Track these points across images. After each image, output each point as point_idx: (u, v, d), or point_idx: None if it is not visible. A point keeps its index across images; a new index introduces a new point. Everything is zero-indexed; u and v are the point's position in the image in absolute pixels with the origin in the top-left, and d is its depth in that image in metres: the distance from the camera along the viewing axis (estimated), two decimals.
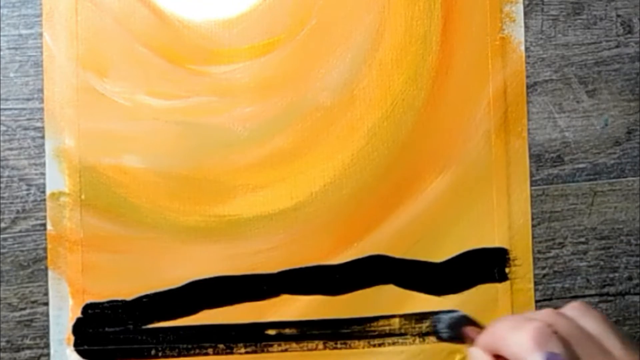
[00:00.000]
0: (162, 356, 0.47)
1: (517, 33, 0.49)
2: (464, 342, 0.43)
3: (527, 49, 0.49)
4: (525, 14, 0.49)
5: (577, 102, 0.49)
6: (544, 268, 0.48)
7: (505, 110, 0.49)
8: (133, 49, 0.48)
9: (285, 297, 0.48)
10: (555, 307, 0.48)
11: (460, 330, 0.43)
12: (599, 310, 0.39)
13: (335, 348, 0.48)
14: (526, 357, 0.35)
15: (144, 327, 0.47)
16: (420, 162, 0.48)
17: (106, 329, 0.47)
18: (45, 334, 0.47)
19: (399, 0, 0.48)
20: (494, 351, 0.37)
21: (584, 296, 0.48)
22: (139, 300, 0.47)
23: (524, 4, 0.49)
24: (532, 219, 0.48)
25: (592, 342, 0.36)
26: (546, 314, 0.37)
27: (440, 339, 0.44)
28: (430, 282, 0.48)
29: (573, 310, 0.38)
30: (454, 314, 0.44)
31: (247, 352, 0.47)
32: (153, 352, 0.47)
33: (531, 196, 0.48)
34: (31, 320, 0.47)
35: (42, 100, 0.48)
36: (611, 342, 0.37)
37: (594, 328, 0.37)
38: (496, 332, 0.37)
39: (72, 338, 0.47)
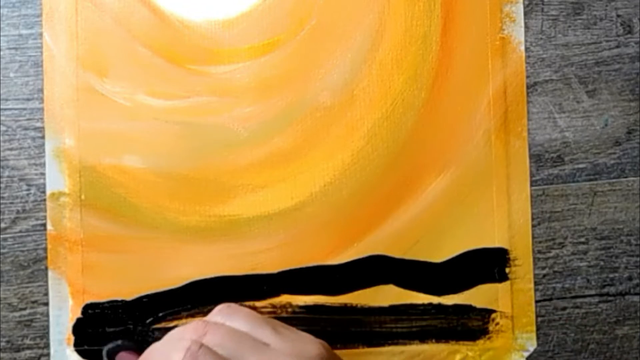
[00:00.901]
0: None
1: (517, 33, 0.49)
2: None
3: (527, 49, 0.49)
4: (525, 14, 0.49)
5: (577, 102, 0.49)
6: (544, 268, 0.48)
7: (505, 110, 0.49)
8: (133, 49, 0.48)
9: (285, 297, 0.48)
10: (554, 308, 0.48)
11: (114, 357, 0.44)
12: (245, 308, 0.40)
13: (335, 348, 0.48)
14: None
15: (144, 327, 0.47)
16: (420, 162, 0.48)
17: (106, 329, 0.47)
18: (45, 334, 0.47)
19: (399, 0, 0.48)
20: None
21: (584, 296, 0.48)
22: (139, 300, 0.47)
23: (524, 4, 0.49)
24: (532, 219, 0.48)
25: (244, 339, 0.37)
26: (194, 327, 0.38)
27: None
28: (430, 282, 0.48)
29: (220, 314, 0.39)
30: (112, 343, 0.45)
31: None
32: None
33: (531, 196, 0.48)
34: (31, 320, 0.47)
35: (42, 100, 0.48)
36: (262, 333, 0.38)
37: (243, 325, 0.38)
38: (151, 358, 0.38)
39: (72, 338, 0.47)
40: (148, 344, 0.47)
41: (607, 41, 0.49)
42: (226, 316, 0.39)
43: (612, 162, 0.49)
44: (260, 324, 0.39)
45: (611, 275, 0.49)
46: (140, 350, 0.44)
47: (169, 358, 0.37)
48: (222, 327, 0.38)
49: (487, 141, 0.48)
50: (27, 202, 0.48)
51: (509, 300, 0.48)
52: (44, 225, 0.48)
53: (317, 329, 0.48)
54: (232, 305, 0.40)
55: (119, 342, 0.46)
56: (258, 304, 0.47)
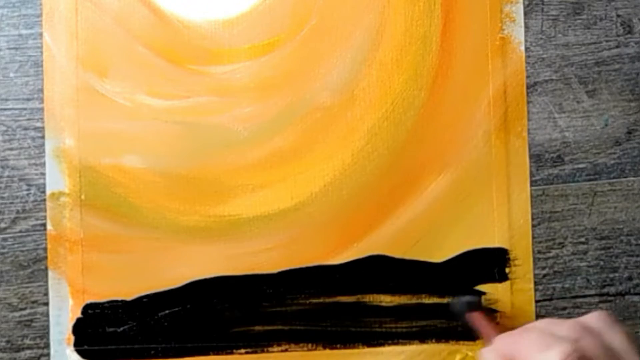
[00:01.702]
0: (162, 356, 0.47)
1: (517, 33, 0.49)
2: (472, 326, 0.43)
3: (527, 49, 0.49)
4: (525, 14, 0.49)
5: (577, 102, 0.49)
6: (544, 268, 0.48)
7: (505, 110, 0.49)
8: (133, 49, 0.48)
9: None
10: (554, 308, 0.48)
11: (470, 312, 0.44)
12: (622, 326, 0.38)
13: (335, 348, 0.48)
14: None
15: (144, 327, 0.47)
16: (420, 162, 0.48)
17: (106, 329, 0.47)
18: (45, 334, 0.47)
19: (399, 0, 0.48)
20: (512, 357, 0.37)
21: (584, 296, 0.48)
22: (139, 300, 0.47)
23: (524, 4, 0.49)
24: (532, 219, 0.48)
25: (615, 359, 0.36)
26: (572, 329, 0.37)
27: (452, 314, 0.46)
28: (430, 282, 0.48)
29: (598, 322, 0.38)
30: (472, 298, 0.45)
31: (247, 352, 0.47)
32: (153, 352, 0.47)
33: (531, 196, 0.48)
34: (31, 320, 0.47)
35: (42, 100, 0.48)
36: (632, 358, 0.37)
37: (618, 345, 0.37)
38: (520, 345, 0.37)
39: (72, 338, 0.47)
40: (147, 344, 0.47)
41: (607, 41, 0.49)
42: (604, 327, 0.38)
43: (612, 162, 0.49)
44: (633, 349, 0.37)
45: (611, 275, 0.49)
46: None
47: (545, 351, 0.35)
48: (598, 338, 0.37)
49: (487, 141, 0.48)
50: (27, 202, 0.48)
51: (509, 300, 0.48)
52: (44, 225, 0.48)
53: (318, 328, 0.48)
54: (611, 317, 0.38)
55: (470, 298, 0.46)
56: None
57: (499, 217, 0.48)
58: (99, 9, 0.48)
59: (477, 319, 0.45)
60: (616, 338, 0.37)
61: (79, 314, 0.47)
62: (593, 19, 0.49)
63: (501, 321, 0.47)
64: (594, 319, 0.38)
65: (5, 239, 0.48)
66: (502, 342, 0.38)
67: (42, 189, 0.48)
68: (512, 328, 0.40)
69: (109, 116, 0.48)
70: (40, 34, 0.48)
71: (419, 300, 0.48)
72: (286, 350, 0.48)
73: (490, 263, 0.48)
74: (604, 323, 0.38)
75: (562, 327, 0.37)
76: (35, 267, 0.48)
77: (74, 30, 0.48)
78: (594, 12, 0.49)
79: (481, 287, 0.48)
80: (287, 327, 0.48)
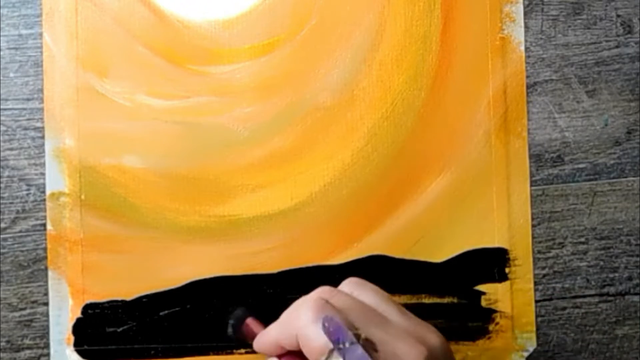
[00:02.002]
0: (162, 356, 0.47)
1: (517, 33, 0.49)
2: (247, 338, 0.43)
3: (527, 49, 0.49)
4: (525, 14, 0.49)
5: (577, 102, 0.49)
6: (544, 268, 0.48)
7: (505, 110, 0.49)
8: (133, 49, 0.48)
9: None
10: (554, 308, 0.48)
11: (241, 325, 0.44)
12: (373, 285, 0.40)
13: None
14: (307, 328, 0.36)
15: (144, 327, 0.47)
16: (420, 162, 0.48)
17: (106, 329, 0.47)
18: (45, 334, 0.47)
19: (399, 0, 0.48)
20: (279, 346, 0.38)
21: (584, 296, 0.48)
22: (139, 300, 0.47)
23: (524, 4, 0.49)
24: (532, 219, 0.48)
25: (369, 311, 0.37)
26: (321, 290, 0.39)
27: (230, 338, 0.46)
28: (430, 282, 0.48)
29: (349, 285, 0.40)
30: (235, 314, 0.45)
31: (247, 352, 0.47)
32: (153, 352, 0.47)
33: (531, 196, 0.48)
34: (31, 320, 0.47)
35: (42, 100, 0.48)
36: (388, 310, 0.38)
37: (369, 299, 0.38)
38: (279, 324, 0.38)
39: (72, 338, 0.47)
40: (147, 344, 0.47)
41: (607, 41, 0.49)
42: (354, 287, 0.39)
43: (612, 162, 0.49)
44: (387, 302, 0.39)
45: (611, 275, 0.49)
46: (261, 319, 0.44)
47: (298, 315, 0.37)
48: (348, 296, 0.39)
49: (487, 141, 0.48)
50: (27, 202, 0.48)
51: (509, 300, 0.48)
52: (44, 225, 0.48)
53: None
54: (361, 280, 0.40)
55: (240, 311, 0.46)
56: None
57: (499, 217, 0.48)
58: (99, 9, 0.48)
59: (247, 327, 0.45)
60: (366, 294, 0.39)
61: (79, 314, 0.47)
62: (593, 19, 0.49)
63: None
64: (344, 283, 0.40)
65: (5, 239, 0.48)
66: (266, 333, 0.40)
67: (42, 189, 0.48)
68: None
69: (109, 116, 0.48)
70: (40, 34, 0.48)
71: (419, 300, 0.48)
72: None
73: (490, 263, 0.48)
74: (353, 285, 0.39)
75: (313, 293, 0.39)
76: (35, 267, 0.48)
77: (74, 30, 0.48)
78: (594, 12, 0.49)
79: (481, 287, 0.48)
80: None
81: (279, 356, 0.39)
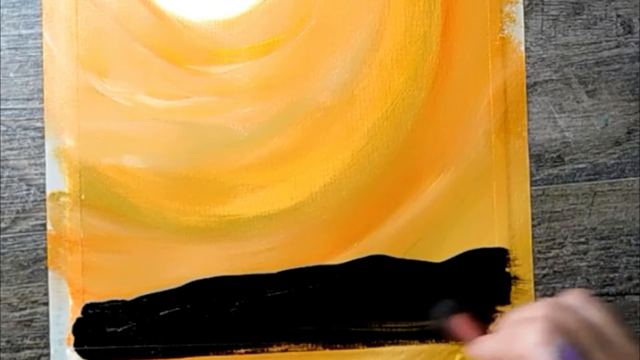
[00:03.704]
0: (162, 356, 0.47)
1: (517, 33, 0.49)
2: (454, 331, 0.43)
3: (527, 49, 0.49)
4: (525, 14, 0.49)
5: (577, 102, 0.49)
6: (544, 268, 0.48)
7: (505, 110, 0.49)
8: (133, 49, 0.48)
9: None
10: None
11: (449, 320, 0.43)
12: (596, 301, 0.38)
13: (335, 348, 0.48)
14: (535, 351, 0.34)
15: (144, 327, 0.47)
16: (420, 162, 0.48)
17: (106, 329, 0.47)
18: (45, 334, 0.47)
19: (399, 0, 0.48)
20: (499, 357, 0.37)
21: None
22: (139, 300, 0.47)
23: (524, 4, 0.49)
24: (532, 219, 0.48)
25: (596, 332, 0.36)
26: (548, 307, 0.37)
27: (437, 329, 0.45)
28: (430, 282, 0.48)
29: (574, 299, 0.38)
30: (450, 302, 0.44)
31: (247, 352, 0.47)
32: (153, 352, 0.47)
33: (531, 196, 0.48)
34: (31, 320, 0.47)
35: (42, 100, 0.48)
36: (614, 332, 0.36)
37: (596, 318, 0.37)
38: (501, 338, 0.37)
39: (72, 338, 0.47)
40: (147, 344, 0.47)
41: (607, 41, 0.49)
42: (581, 303, 0.38)
43: (612, 162, 0.49)
44: (613, 322, 0.37)
45: (611, 275, 0.49)
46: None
47: (525, 334, 0.35)
48: (576, 313, 0.37)
49: (487, 141, 0.48)
50: (27, 202, 0.48)
51: (509, 299, 0.48)
52: (44, 225, 0.48)
53: (318, 328, 0.48)
54: (586, 293, 0.38)
55: (450, 303, 0.45)
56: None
57: (499, 217, 0.48)
58: (99, 9, 0.48)
59: (457, 323, 0.45)
60: (593, 312, 0.37)
61: (79, 314, 0.47)
62: (593, 19, 0.49)
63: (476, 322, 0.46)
64: (569, 297, 0.38)
65: (5, 239, 0.48)
66: (487, 343, 0.38)
67: (42, 189, 0.48)
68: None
69: (109, 116, 0.48)
70: (40, 34, 0.48)
71: (419, 301, 0.48)
72: (286, 350, 0.48)
73: (490, 263, 0.48)
74: (579, 300, 0.38)
75: (534, 307, 0.37)
76: (35, 267, 0.48)
77: (74, 30, 0.48)
78: (594, 12, 0.49)
79: (481, 287, 0.48)
80: (287, 327, 0.48)
81: None
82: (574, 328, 0.35)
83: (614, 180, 0.49)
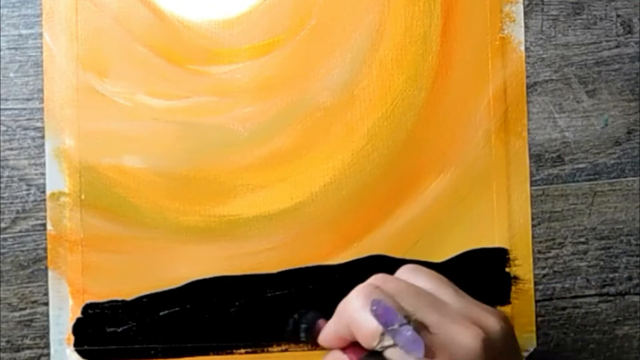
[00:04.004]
0: (162, 356, 0.47)
1: (517, 33, 0.49)
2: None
3: (527, 49, 0.49)
4: (525, 14, 0.49)
5: (577, 102, 0.49)
6: (544, 268, 0.48)
7: (505, 110, 0.49)
8: (133, 49, 0.48)
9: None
10: (554, 308, 0.48)
11: (314, 328, 0.43)
12: (430, 270, 0.39)
13: None
14: (357, 315, 0.35)
15: (144, 327, 0.47)
16: (420, 162, 0.48)
17: (106, 329, 0.47)
18: (45, 334, 0.47)
19: (399, 0, 0.48)
20: (340, 338, 0.37)
21: (584, 296, 0.48)
22: (139, 300, 0.47)
23: (524, 4, 0.49)
24: (532, 219, 0.48)
25: (423, 295, 0.37)
26: (374, 277, 0.38)
27: (301, 341, 0.44)
28: None
29: (404, 272, 0.39)
30: (307, 317, 0.43)
31: (247, 352, 0.47)
32: (153, 352, 0.47)
33: (531, 196, 0.48)
34: (31, 320, 0.47)
35: (42, 100, 0.48)
36: (444, 293, 0.37)
37: (424, 283, 0.38)
38: (335, 317, 0.38)
39: (72, 338, 0.47)
40: (147, 344, 0.47)
41: (607, 41, 0.49)
42: (409, 273, 0.39)
43: (612, 162, 0.49)
44: (444, 285, 0.38)
45: (611, 275, 0.49)
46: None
47: (350, 302, 0.36)
48: (402, 281, 0.38)
49: (487, 141, 0.48)
50: (27, 202, 0.48)
51: (509, 300, 0.48)
52: (44, 225, 0.48)
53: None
54: (417, 265, 0.39)
55: (312, 314, 0.45)
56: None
57: (499, 217, 0.48)
58: (99, 9, 0.48)
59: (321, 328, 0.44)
60: (422, 279, 0.38)
61: (79, 314, 0.47)
62: (593, 19, 0.49)
63: None
64: (399, 271, 0.39)
65: (5, 239, 0.48)
66: (325, 330, 0.39)
67: (42, 189, 0.48)
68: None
69: (109, 116, 0.48)
70: (40, 34, 0.48)
71: None
72: (286, 350, 0.48)
73: (490, 263, 0.48)
74: (408, 271, 0.39)
75: (368, 280, 0.38)
76: (35, 267, 0.48)
77: (74, 30, 0.48)
78: (594, 12, 0.49)
79: (481, 287, 0.48)
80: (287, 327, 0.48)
81: (342, 349, 0.38)
82: (397, 292, 0.36)
83: (614, 180, 0.49)
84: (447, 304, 0.37)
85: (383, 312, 0.35)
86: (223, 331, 0.47)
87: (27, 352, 0.47)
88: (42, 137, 0.48)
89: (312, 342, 0.41)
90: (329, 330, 0.38)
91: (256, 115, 0.48)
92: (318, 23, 0.48)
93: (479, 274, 0.48)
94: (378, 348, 0.35)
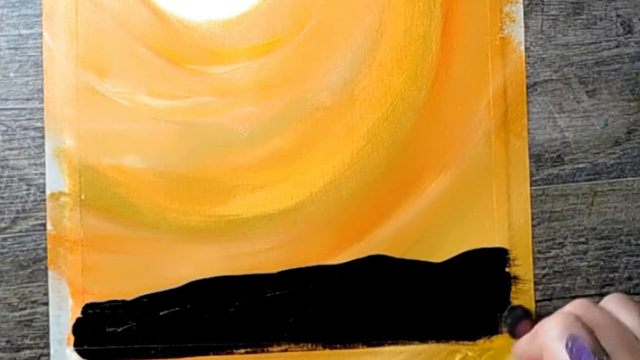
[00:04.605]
0: (162, 356, 0.47)
1: (517, 33, 0.49)
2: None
3: (527, 49, 0.49)
4: (525, 14, 0.49)
5: (577, 102, 0.49)
6: (544, 268, 0.48)
7: (505, 110, 0.49)
8: (133, 49, 0.48)
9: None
10: (554, 308, 0.48)
11: (515, 325, 0.43)
12: (636, 303, 0.38)
13: (335, 348, 0.48)
14: (551, 344, 0.35)
15: (144, 327, 0.47)
16: (420, 162, 0.48)
17: (106, 329, 0.47)
18: (45, 334, 0.47)
19: (399, 0, 0.48)
20: (529, 356, 0.37)
21: (584, 296, 0.48)
22: (139, 300, 0.47)
23: (524, 4, 0.49)
24: (532, 219, 0.48)
25: (625, 334, 0.35)
26: (579, 304, 0.37)
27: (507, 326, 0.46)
28: (430, 282, 0.48)
29: (610, 302, 0.37)
30: (516, 310, 0.46)
31: (247, 352, 0.48)
32: (153, 352, 0.47)
33: (531, 196, 0.48)
34: (31, 320, 0.47)
35: (42, 100, 0.48)
36: None
37: (630, 319, 0.36)
38: (531, 335, 0.38)
39: (72, 338, 0.47)
40: (147, 344, 0.47)
41: (607, 41, 0.49)
42: (616, 305, 0.37)
43: (612, 162, 0.49)
44: None
45: (611, 275, 0.49)
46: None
47: (547, 328, 0.36)
48: (606, 313, 0.36)
49: (487, 141, 0.48)
50: (27, 202, 0.48)
51: (509, 300, 0.48)
52: (44, 225, 0.48)
53: (318, 328, 0.48)
54: (626, 297, 0.38)
55: (517, 311, 0.46)
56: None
57: (499, 217, 0.48)
58: (99, 9, 0.48)
59: (523, 330, 0.44)
60: (627, 314, 0.36)
61: (79, 314, 0.47)
62: (593, 19, 0.49)
63: None
64: (607, 299, 0.38)
65: (5, 239, 0.48)
66: (519, 343, 0.39)
67: (42, 189, 0.48)
68: None
69: (109, 116, 0.48)
70: (40, 34, 0.48)
71: (419, 300, 0.48)
72: (286, 350, 0.48)
73: (490, 263, 0.48)
74: (615, 302, 0.37)
75: (572, 305, 0.37)
76: (35, 267, 0.48)
77: (74, 30, 0.48)
78: (594, 12, 0.49)
79: (481, 287, 0.48)
80: (287, 327, 0.48)
81: None
82: (598, 326, 0.35)
83: (614, 180, 0.49)
84: None
85: (577, 351, 0.34)
86: (223, 331, 0.47)
87: (27, 352, 0.47)
88: (42, 137, 0.48)
89: (512, 338, 0.44)
90: (523, 344, 0.38)
91: (256, 115, 0.48)
92: (318, 23, 0.48)
93: (479, 274, 0.48)
94: None
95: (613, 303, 0.37)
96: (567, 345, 0.34)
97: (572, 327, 0.35)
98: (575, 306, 0.37)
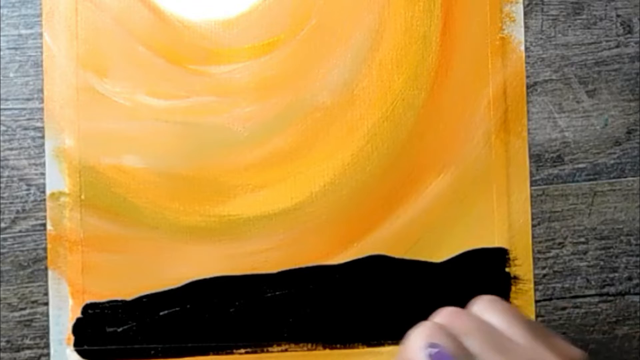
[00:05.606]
0: (162, 356, 0.47)
1: (517, 33, 0.49)
2: None
3: (527, 49, 0.49)
4: (525, 14, 0.49)
5: (577, 102, 0.49)
6: (544, 268, 0.48)
7: (505, 110, 0.49)
8: (133, 49, 0.48)
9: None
10: (554, 308, 0.48)
11: None
12: (505, 303, 0.37)
13: (335, 348, 0.48)
14: (414, 356, 0.34)
15: (144, 327, 0.47)
16: (420, 162, 0.48)
17: (106, 329, 0.47)
18: (45, 334, 0.47)
19: (399, 0, 0.48)
20: None
21: (584, 296, 0.48)
22: (139, 300, 0.47)
23: (524, 4, 0.49)
24: (532, 219, 0.48)
25: (494, 336, 0.35)
26: (443, 313, 0.36)
27: None
28: (430, 282, 0.48)
29: (479, 303, 0.37)
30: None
31: (247, 352, 0.48)
32: (153, 352, 0.47)
33: (531, 196, 0.48)
34: (31, 320, 0.47)
35: (42, 100, 0.48)
36: (518, 333, 0.35)
37: (498, 320, 0.36)
38: (401, 347, 0.37)
39: (72, 338, 0.47)
40: (147, 344, 0.47)
41: (607, 41, 0.49)
42: (484, 307, 0.37)
43: (612, 162, 0.49)
44: (518, 322, 0.36)
45: (611, 275, 0.49)
46: None
47: (411, 339, 0.35)
48: (474, 317, 0.36)
49: (487, 141, 0.48)
50: (27, 202, 0.48)
51: (509, 300, 0.48)
52: (44, 225, 0.48)
53: (318, 328, 0.48)
54: (494, 298, 0.38)
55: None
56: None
57: (499, 217, 0.48)
58: (99, 9, 0.48)
59: None
60: (494, 315, 0.36)
61: (79, 314, 0.47)
62: (593, 19, 0.49)
63: None
64: (473, 303, 0.37)
65: (5, 239, 0.48)
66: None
67: (42, 189, 0.48)
68: None
69: (109, 116, 0.48)
70: (40, 34, 0.48)
71: (419, 301, 0.48)
72: (286, 350, 0.48)
73: (490, 263, 0.48)
74: (481, 305, 0.37)
75: (438, 314, 0.37)
76: (35, 267, 0.48)
77: (74, 30, 0.48)
78: (594, 12, 0.49)
79: (481, 287, 0.48)
80: (287, 327, 0.48)
81: None
82: (463, 330, 0.35)
83: (614, 180, 0.49)
84: (518, 345, 0.35)
85: (439, 359, 0.34)
86: (223, 331, 0.47)
87: (27, 352, 0.47)
88: (42, 137, 0.48)
89: None
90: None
91: (256, 115, 0.48)
92: (318, 23, 0.48)
93: (479, 274, 0.48)
94: None
95: (478, 305, 0.37)
96: (429, 354, 0.34)
97: (433, 335, 0.35)
98: (440, 315, 0.36)
